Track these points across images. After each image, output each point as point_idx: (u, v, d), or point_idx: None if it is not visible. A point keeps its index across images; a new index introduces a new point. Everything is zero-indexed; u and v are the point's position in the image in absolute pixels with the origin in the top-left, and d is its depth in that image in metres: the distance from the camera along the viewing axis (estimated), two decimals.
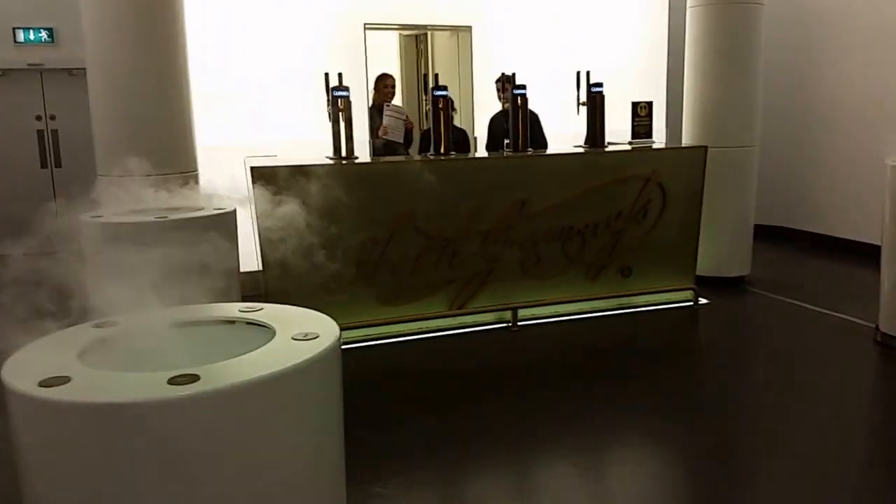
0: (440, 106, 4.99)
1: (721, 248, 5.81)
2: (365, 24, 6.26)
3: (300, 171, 4.32)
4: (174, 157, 4.36)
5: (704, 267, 5.80)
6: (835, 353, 4.41)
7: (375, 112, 6.13)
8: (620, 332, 4.92)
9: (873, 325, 4.53)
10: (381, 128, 5.71)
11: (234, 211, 3.53)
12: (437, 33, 7.54)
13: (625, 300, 5.27)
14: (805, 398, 3.76)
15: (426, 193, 4.63)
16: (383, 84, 6.13)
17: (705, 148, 5.34)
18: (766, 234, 7.41)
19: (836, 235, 6.92)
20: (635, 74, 7.25)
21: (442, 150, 4.90)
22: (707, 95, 5.74)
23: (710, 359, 4.58)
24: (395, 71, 8.55)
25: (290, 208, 3.53)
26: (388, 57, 8.78)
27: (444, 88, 5.04)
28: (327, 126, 4.77)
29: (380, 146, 5.81)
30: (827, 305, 5.17)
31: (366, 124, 6.02)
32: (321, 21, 6.12)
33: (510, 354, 4.56)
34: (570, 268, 5.10)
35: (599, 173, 5.10)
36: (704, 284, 5.70)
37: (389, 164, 4.72)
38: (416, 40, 8.21)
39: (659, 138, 6.82)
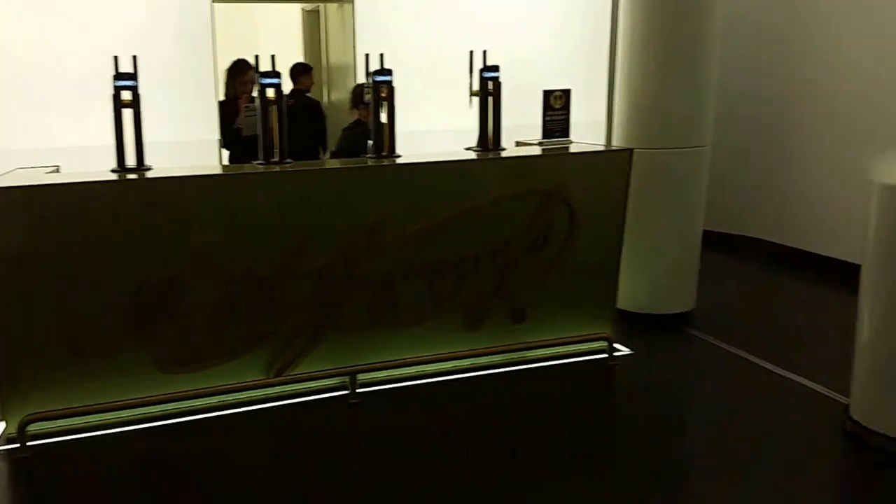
0: (382, 94, 3.82)
1: (656, 278, 4.53)
2: None
3: (33, 192, 3.09)
4: None
5: (634, 302, 4.54)
6: (787, 449, 3.15)
7: (229, 110, 4.92)
8: (505, 399, 3.66)
9: (845, 402, 3.28)
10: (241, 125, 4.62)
11: None
12: (329, 6, 6.24)
13: (518, 353, 4.00)
14: None
15: (235, 218, 3.38)
16: (242, 80, 4.88)
17: (630, 151, 4.04)
18: (728, 245, 6.13)
19: (812, 251, 5.62)
20: (570, 56, 5.97)
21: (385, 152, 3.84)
22: (644, 87, 4.42)
23: (610, 441, 3.32)
24: (298, 52, 7.27)
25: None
26: (293, 35, 7.51)
27: (389, 73, 3.85)
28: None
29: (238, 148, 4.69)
30: (786, 363, 3.90)
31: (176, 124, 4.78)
32: None
33: (349, 436, 3.32)
34: (442, 313, 3.83)
35: (483, 187, 3.81)
36: (632, 325, 4.44)
37: (176, 180, 3.41)
38: (318, 16, 6.89)
39: (596, 137, 5.54)
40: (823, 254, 5.46)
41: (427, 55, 5.36)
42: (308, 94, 5.75)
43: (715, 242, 6.08)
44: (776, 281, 5.57)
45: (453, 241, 3.75)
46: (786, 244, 5.85)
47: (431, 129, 5.00)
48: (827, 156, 5.47)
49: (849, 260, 4.86)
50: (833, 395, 3.47)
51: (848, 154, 5.21)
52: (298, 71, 5.77)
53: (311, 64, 6.22)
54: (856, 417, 3.12)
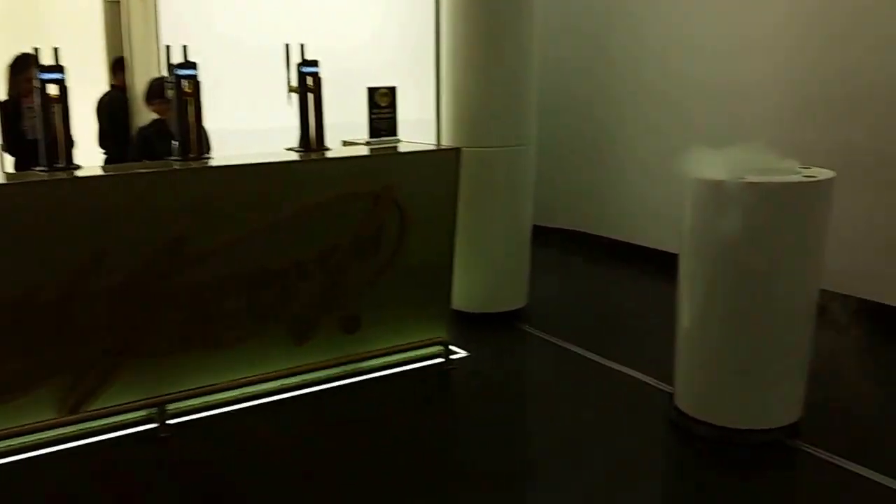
0: (186, 90, 3.43)
1: (488, 277, 4.48)
2: None
3: None
4: None
5: (469, 302, 4.46)
6: (617, 441, 3.16)
7: (12, 110, 4.32)
8: (338, 417, 3.43)
9: (669, 391, 3.34)
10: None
11: None
12: None
13: (352, 365, 3.78)
14: None
15: (12, 233, 2.90)
16: (26, 76, 4.27)
17: (457, 150, 3.93)
18: (557, 240, 6.24)
19: (634, 242, 5.82)
20: (398, 52, 5.81)
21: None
22: (467, 86, 4.33)
23: (449, 451, 3.19)
24: (99, 46, 6.58)
25: None
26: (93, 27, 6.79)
27: (193, 66, 3.44)
28: None
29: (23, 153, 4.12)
30: (615, 355, 3.96)
31: None
32: None
33: (157, 476, 2.95)
34: (265, 329, 3.53)
35: (307, 190, 3.54)
36: (469, 325, 4.36)
37: None
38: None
39: (427, 135, 5.41)
40: (645, 245, 5.67)
41: (243, 49, 5.00)
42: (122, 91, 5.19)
43: (544, 237, 6.17)
44: (603, 273, 5.72)
45: (274, 249, 3.46)
46: (610, 237, 6.03)
47: (250, 128, 4.66)
48: (641, 151, 5.68)
49: (669, 250, 5.05)
50: (660, 385, 3.54)
51: (661, 148, 5.41)
52: (118, 66, 5.20)
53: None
54: (680, 407, 3.18)
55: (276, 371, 3.55)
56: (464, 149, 4.03)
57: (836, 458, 2.89)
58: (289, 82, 3.93)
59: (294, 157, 3.75)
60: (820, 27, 4.49)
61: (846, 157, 4.15)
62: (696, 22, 5.22)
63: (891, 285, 4.27)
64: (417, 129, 4.93)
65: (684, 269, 3.14)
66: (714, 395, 3.09)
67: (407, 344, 3.89)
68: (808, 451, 2.96)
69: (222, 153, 3.75)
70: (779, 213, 2.86)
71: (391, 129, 4.16)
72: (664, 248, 5.24)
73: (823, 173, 2.93)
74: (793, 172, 2.97)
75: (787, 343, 2.99)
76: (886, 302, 4.27)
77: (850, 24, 4.34)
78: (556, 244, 6.21)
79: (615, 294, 5.24)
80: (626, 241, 5.88)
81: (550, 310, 4.70)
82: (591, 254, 6.06)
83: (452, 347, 4.02)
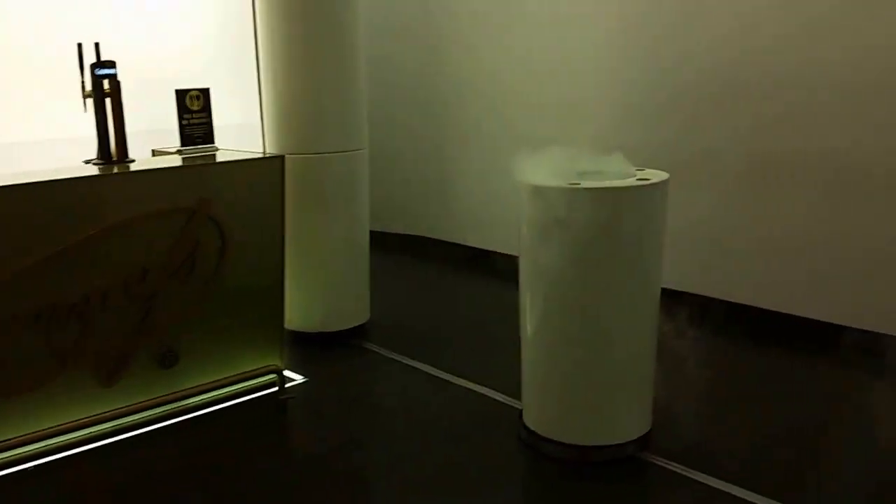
0: (105, 90, 3.23)
1: (326, 293, 4.17)
2: None
3: None
4: None
5: (307, 322, 4.14)
6: (464, 464, 2.97)
7: None
8: (155, 464, 3.01)
9: (520, 408, 3.19)
10: None
11: None
12: None
13: (173, 405, 3.37)
14: None
15: None
16: None
17: (281, 158, 3.59)
18: (399, 246, 6.05)
19: (478, 247, 5.71)
20: (218, 52, 5.38)
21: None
22: (290, 89, 3.99)
23: (287, 490, 2.87)
24: None
25: None
26: None
27: (112, 65, 3.22)
28: None
29: None
30: (463, 369, 3.78)
31: None
32: None
33: None
34: (65, 371, 3.05)
35: (109, 208, 3.08)
36: (307, 347, 4.05)
37: None
38: None
39: (255, 142, 5.01)
40: (492, 249, 5.57)
41: (30, 50, 4.41)
42: None
43: (384, 244, 5.95)
44: (449, 281, 5.57)
45: (73, 277, 2.99)
46: (455, 241, 5.90)
47: (40, 139, 4.09)
48: (480, 153, 5.58)
49: (515, 254, 4.96)
50: (511, 401, 3.40)
51: (498, 151, 5.33)
52: None
53: None
54: (529, 425, 3.04)
55: (82, 418, 3.08)
56: (291, 156, 3.72)
57: (689, 470, 2.84)
58: (83, 87, 3.45)
59: (92, 171, 3.27)
60: (642, 36, 4.55)
61: (671, 156, 4.22)
62: (526, 40, 5.16)
63: (717, 280, 4.40)
64: (245, 135, 4.56)
65: (524, 277, 3.00)
66: (560, 410, 2.97)
67: (235, 375, 3.52)
68: (660, 464, 2.89)
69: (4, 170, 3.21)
70: (617, 218, 2.77)
71: (207, 136, 3.78)
72: (511, 252, 5.15)
73: (658, 175, 2.88)
74: (628, 175, 2.91)
75: (632, 350, 2.91)
76: (715, 296, 4.39)
77: (670, 28, 4.41)
78: (397, 251, 6.01)
79: (463, 303, 5.08)
80: (473, 245, 5.77)
81: (395, 324, 4.47)
82: (436, 260, 5.90)
83: (288, 374, 3.69)
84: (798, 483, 2.76)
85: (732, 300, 4.34)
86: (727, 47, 4.18)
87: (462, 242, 5.84)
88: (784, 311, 4.14)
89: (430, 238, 6.07)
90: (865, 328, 3.85)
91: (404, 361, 3.94)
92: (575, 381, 2.92)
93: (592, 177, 2.91)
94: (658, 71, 4.49)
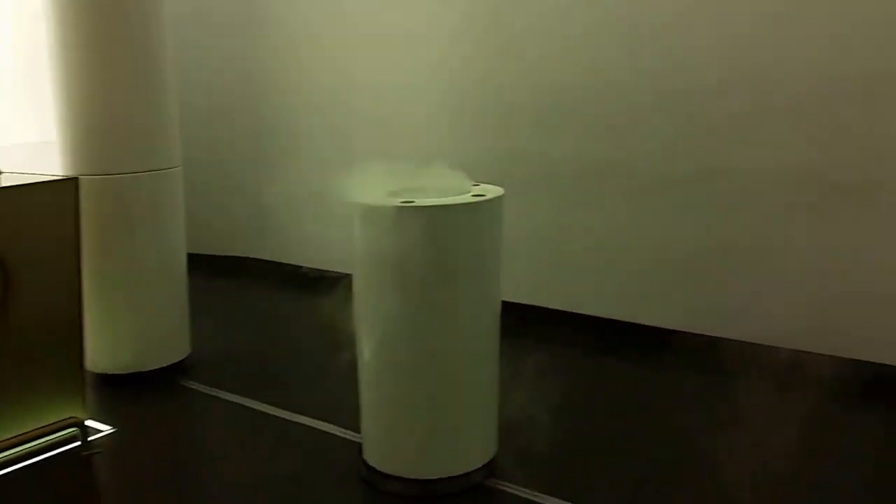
0: None
1: (138, 328, 3.72)
2: None
3: None
4: None
5: (116, 362, 3.69)
6: None
7: None
8: None
9: (360, 442, 2.96)
10: None
11: None
12: None
13: None
14: None
15: None
16: None
17: (74, 180, 3.14)
18: (228, 268, 5.64)
19: (319, 267, 5.40)
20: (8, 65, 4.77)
21: None
22: (90, 106, 3.53)
23: None
24: None
25: None
26: None
27: None
28: None
29: None
30: (297, 403, 3.49)
31: None
32: None
33: None
34: None
35: None
36: (116, 392, 3.60)
37: None
38: None
39: (48, 165, 4.43)
40: (323, 269, 5.28)
41: None
42: None
43: (206, 269, 5.52)
44: (279, 305, 5.23)
45: None
46: (282, 262, 5.57)
47: None
48: (311, 170, 5.29)
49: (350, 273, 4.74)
50: (350, 435, 3.16)
51: (329, 167, 5.05)
52: None
53: None
54: (368, 460, 2.82)
55: None
56: (89, 177, 3.28)
57: (538, 494, 2.74)
58: None
59: None
60: (477, 55, 4.50)
61: (508, 169, 4.19)
62: (361, 55, 4.98)
63: (555, 291, 4.41)
64: (42, 155, 4.03)
65: (358, 302, 2.79)
66: (401, 443, 2.77)
67: (29, 432, 3.02)
68: (509, 490, 2.77)
69: None
70: (452, 236, 2.63)
71: None
72: (347, 272, 4.91)
73: (493, 190, 2.77)
74: (464, 191, 2.78)
75: (474, 373, 2.78)
76: (554, 307, 4.41)
77: (504, 46, 4.40)
78: (220, 275, 5.59)
79: (294, 329, 4.76)
80: (305, 265, 5.45)
81: (219, 357, 4.09)
82: (264, 283, 5.53)
83: (93, 425, 3.24)
84: (644, 498, 2.74)
85: (571, 310, 4.37)
86: (560, 64, 4.22)
87: (293, 263, 5.52)
88: (623, 318, 4.21)
89: (256, 259, 5.69)
90: (697, 331, 3.98)
91: (231, 399, 3.59)
92: (414, 410, 2.74)
93: (426, 194, 2.75)
94: (494, 87, 4.46)
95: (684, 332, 4.01)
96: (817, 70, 3.52)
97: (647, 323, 4.13)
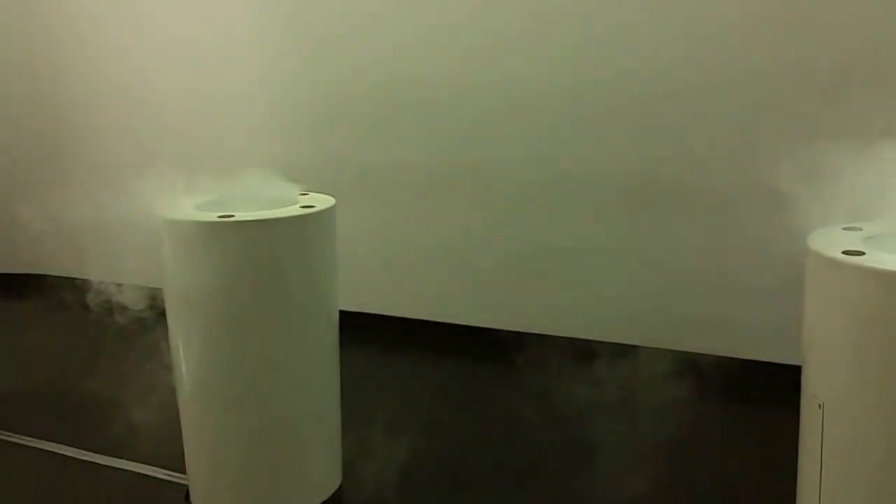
0: None
1: None
2: None
3: None
4: None
5: None
6: None
7: None
8: None
9: (186, 484, 2.65)
10: None
11: None
12: None
13: None
14: None
15: None
16: None
17: None
18: (16, 287, 5.01)
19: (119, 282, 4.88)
20: None
21: None
22: None
23: None
24: None
25: None
26: None
27: None
28: None
29: None
30: (109, 443, 3.09)
31: None
32: None
33: None
34: None
35: None
36: None
37: None
38: None
39: None
40: (123, 282, 4.78)
41: None
42: None
43: None
44: (77, 327, 4.62)
45: None
46: (73, 276, 4.99)
47: None
48: (104, 172, 4.80)
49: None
50: (175, 476, 2.82)
51: (125, 172, 4.65)
52: None
53: None
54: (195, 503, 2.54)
55: None
56: None
57: None
58: None
59: None
60: (291, 41, 4.26)
61: (338, 175, 4.03)
62: (161, 55, 4.58)
63: (393, 298, 4.30)
64: None
65: (172, 327, 2.48)
66: (231, 480, 2.50)
67: None
68: None
69: None
70: (277, 252, 2.40)
71: None
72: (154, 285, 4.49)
73: (323, 200, 2.57)
74: (291, 202, 2.55)
75: (311, 398, 2.56)
76: (393, 314, 4.28)
77: (330, 48, 4.21)
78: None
79: (100, 354, 4.20)
80: (108, 280, 4.92)
81: (14, 394, 3.57)
82: (56, 302, 4.92)
83: None
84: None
85: (411, 316, 4.26)
86: (397, 67, 4.09)
87: (92, 278, 4.93)
88: (465, 322, 4.16)
89: (48, 275, 5.09)
90: (534, 331, 4.00)
91: (27, 444, 3.12)
92: (244, 443, 2.47)
93: (247, 206, 2.49)
94: (323, 90, 4.24)
95: (523, 333, 4.01)
96: (636, 77, 3.62)
97: (488, 326, 4.09)
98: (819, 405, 1.71)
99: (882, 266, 1.55)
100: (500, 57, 3.87)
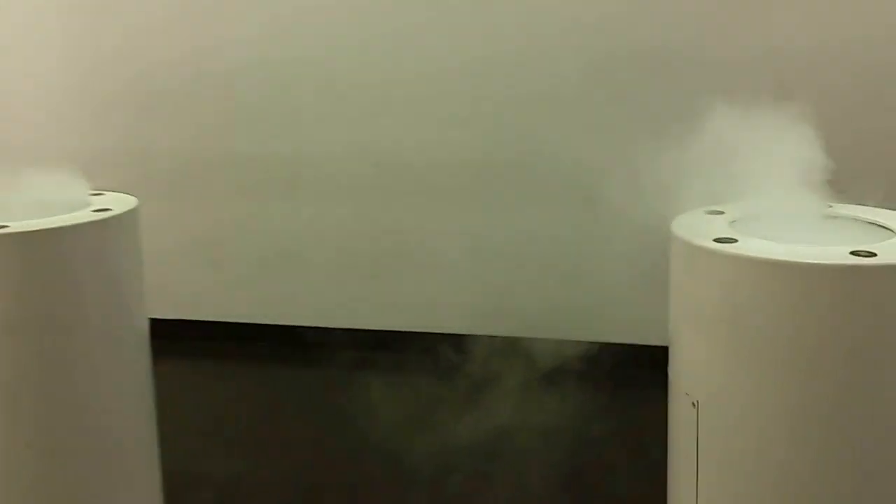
0: None
1: None
2: None
3: None
4: None
5: None
6: None
7: None
8: None
9: None
10: None
11: None
12: None
13: None
14: None
15: None
16: None
17: None
18: None
19: None
20: None
21: None
22: None
23: None
24: None
25: None
26: None
27: None
28: None
29: None
30: None
31: None
32: None
33: None
34: None
35: None
36: None
37: None
38: None
39: None
40: None
41: None
42: None
43: None
44: None
45: None
46: None
47: None
48: None
49: None
50: None
51: None
52: None
53: None
54: None
55: None
56: None
57: None
58: None
59: None
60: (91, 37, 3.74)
61: (147, 165, 3.61)
62: None
63: (212, 301, 3.94)
64: None
65: None
66: None
67: None
68: None
69: None
70: (63, 266, 1.98)
71: None
72: None
73: (123, 202, 2.16)
74: (83, 205, 2.13)
75: (114, 422, 2.15)
76: (213, 318, 3.93)
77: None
78: None
79: None
80: None
81: None
82: None
83: None
84: None
85: (227, 320, 3.93)
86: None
87: None
88: (284, 323, 3.91)
89: None
90: (370, 328, 3.80)
91: None
92: (41, 482, 2.04)
93: (25, 213, 2.04)
94: (120, 73, 3.79)
95: (356, 330, 3.81)
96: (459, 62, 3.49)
97: (311, 325, 3.85)
98: (693, 403, 1.61)
99: (757, 254, 1.46)
100: (320, 44, 3.63)
